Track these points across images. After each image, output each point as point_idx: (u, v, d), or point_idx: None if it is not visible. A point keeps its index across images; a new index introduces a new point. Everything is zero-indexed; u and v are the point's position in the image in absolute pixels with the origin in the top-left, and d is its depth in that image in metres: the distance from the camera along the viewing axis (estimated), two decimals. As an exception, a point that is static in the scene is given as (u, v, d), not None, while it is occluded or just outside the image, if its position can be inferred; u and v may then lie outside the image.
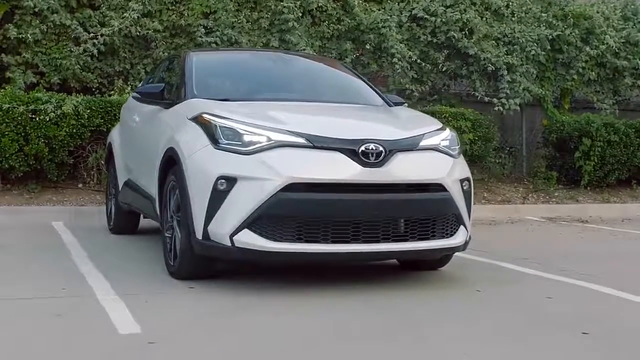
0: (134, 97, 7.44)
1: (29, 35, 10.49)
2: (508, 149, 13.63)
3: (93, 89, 10.99)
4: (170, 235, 6.21)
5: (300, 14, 11.76)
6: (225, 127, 5.77)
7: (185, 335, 4.61)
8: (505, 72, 12.37)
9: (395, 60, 11.90)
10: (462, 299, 5.78)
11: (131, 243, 7.99)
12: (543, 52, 12.83)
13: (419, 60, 12.20)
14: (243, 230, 5.51)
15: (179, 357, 4.22)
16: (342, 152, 5.61)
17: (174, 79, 7.22)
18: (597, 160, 12.70)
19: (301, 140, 5.63)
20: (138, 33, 10.99)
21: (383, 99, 7.20)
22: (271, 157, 5.57)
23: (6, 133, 9.75)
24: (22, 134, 9.83)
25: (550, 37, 12.88)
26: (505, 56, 12.45)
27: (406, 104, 7.60)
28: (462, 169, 6.19)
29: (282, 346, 4.45)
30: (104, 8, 11.06)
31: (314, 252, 5.60)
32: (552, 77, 13.23)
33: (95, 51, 10.67)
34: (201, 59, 7.26)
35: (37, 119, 9.77)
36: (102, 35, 10.68)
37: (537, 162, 13.49)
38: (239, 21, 11.49)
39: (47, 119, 9.73)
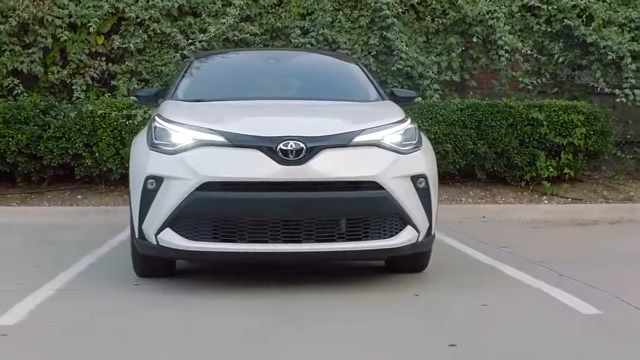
0: (133, 100, 7.72)
1: (131, 44, 11.12)
2: (645, 143, 12.48)
3: (196, 94, 11.42)
4: (136, 234, 6.41)
5: (401, 10, 11.54)
6: (159, 127, 5.89)
7: (54, 330, 4.79)
8: (629, 60, 11.34)
9: (502, 52, 11.33)
10: (385, 303, 5.49)
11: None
12: (678, 38, 11.62)
13: (529, 51, 11.52)
14: (165, 229, 5.60)
15: (15, 348, 4.42)
16: (260, 150, 5.53)
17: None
18: None
19: (221, 139, 5.62)
20: (236, 37, 11.27)
21: (380, 94, 6.93)
22: (191, 156, 5.62)
23: (103, 138, 10.39)
24: (119, 139, 10.42)
25: (686, 19, 11.65)
26: (629, 43, 11.42)
27: (419, 98, 7.24)
28: (414, 165, 5.84)
29: (142, 345, 4.51)
30: (204, 15, 11.45)
31: (231, 252, 5.57)
32: (692, 64, 11.93)
33: (193, 57, 11.08)
34: (200, 62, 7.46)
35: (128, 123, 10.33)
36: (200, 41, 11.08)
37: (681, 157, 12.25)
38: (337, 20, 11.48)
39: (135, 123, 10.25)
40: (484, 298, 5.56)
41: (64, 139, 10.44)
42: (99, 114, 10.36)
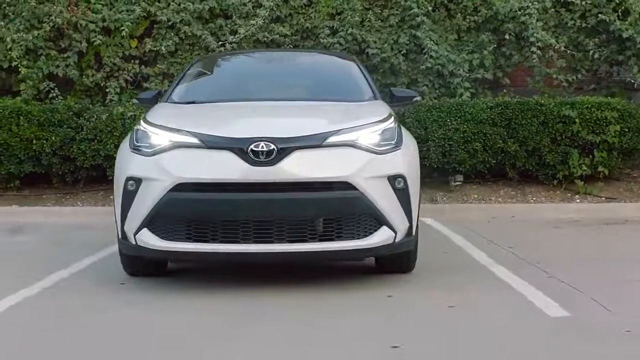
0: (134, 103, 7.86)
1: (162, 47, 11.33)
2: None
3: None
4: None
5: (431, 8, 11.46)
6: (140, 130, 6.03)
7: (23, 328, 4.96)
8: (667, 55, 11.03)
9: (534, 49, 11.14)
10: (354, 303, 5.48)
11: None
12: None
13: (563, 48, 11.29)
14: (143, 230, 5.72)
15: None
16: (232, 152, 5.59)
17: (175, 84, 7.53)
18: None
19: (195, 141, 5.70)
20: (266, 38, 11.36)
21: (374, 93, 6.91)
22: (166, 158, 5.73)
23: (133, 139, 10.59)
24: (148, 139, 10.61)
25: None
26: (668, 36, 11.09)
27: (418, 98, 7.18)
28: (391, 165, 5.81)
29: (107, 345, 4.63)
30: (234, 17, 11.57)
31: (203, 252, 5.65)
32: None
33: (223, 58, 11.21)
34: (200, 64, 7.56)
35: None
36: (230, 43, 11.21)
37: None
38: (367, 20, 11.48)
39: (164, 125, 10.43)
40: (456, 299, 5.50)
41: (95, 140, 10.67)
42: (129, 115, 10.57)
